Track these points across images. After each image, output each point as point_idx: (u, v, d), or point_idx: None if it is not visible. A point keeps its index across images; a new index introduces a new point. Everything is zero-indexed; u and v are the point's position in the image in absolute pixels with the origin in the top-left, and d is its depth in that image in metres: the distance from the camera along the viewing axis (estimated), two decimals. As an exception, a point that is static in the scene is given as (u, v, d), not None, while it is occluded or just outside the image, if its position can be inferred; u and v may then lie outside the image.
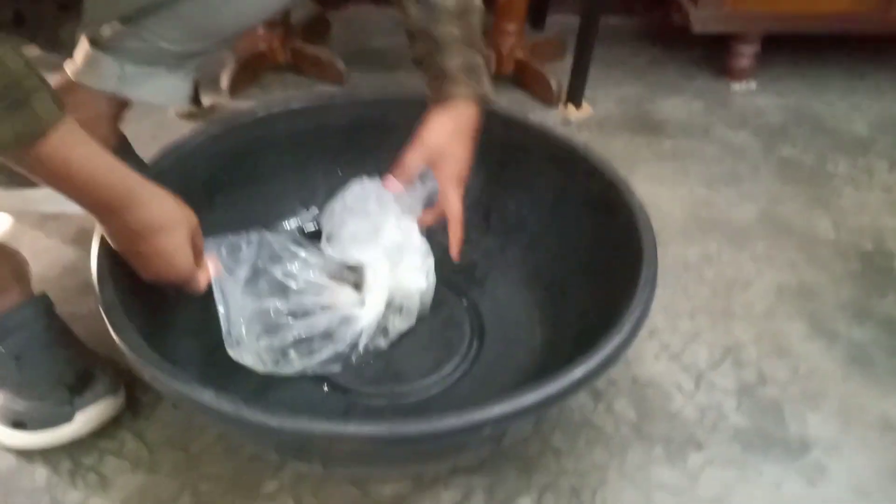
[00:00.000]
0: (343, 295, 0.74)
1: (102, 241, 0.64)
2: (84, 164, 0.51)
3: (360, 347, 0.72)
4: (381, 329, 0.74)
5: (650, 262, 0.66)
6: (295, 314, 0.71)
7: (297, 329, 0.70)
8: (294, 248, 0.74)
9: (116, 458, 0.68)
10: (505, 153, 0.85)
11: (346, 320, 0.71)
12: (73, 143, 0.50)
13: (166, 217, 0.58)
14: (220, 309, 0.64)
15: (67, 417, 0.67)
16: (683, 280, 0.91)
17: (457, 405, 0.51)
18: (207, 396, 0.52)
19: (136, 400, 0.73)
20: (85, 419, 0.68)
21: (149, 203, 0.56)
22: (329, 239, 0.76)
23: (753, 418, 0.75)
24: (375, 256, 0.74)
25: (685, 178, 1.10)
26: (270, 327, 0.69)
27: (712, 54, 1.40)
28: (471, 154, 0.75)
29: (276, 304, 0.70)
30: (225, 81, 1.17)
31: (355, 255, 0.74)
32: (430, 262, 0.76)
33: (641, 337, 0.83)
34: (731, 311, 0.88)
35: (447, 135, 0.74)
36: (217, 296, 0.65)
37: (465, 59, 0.74)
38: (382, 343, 0.75)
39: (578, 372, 0.55)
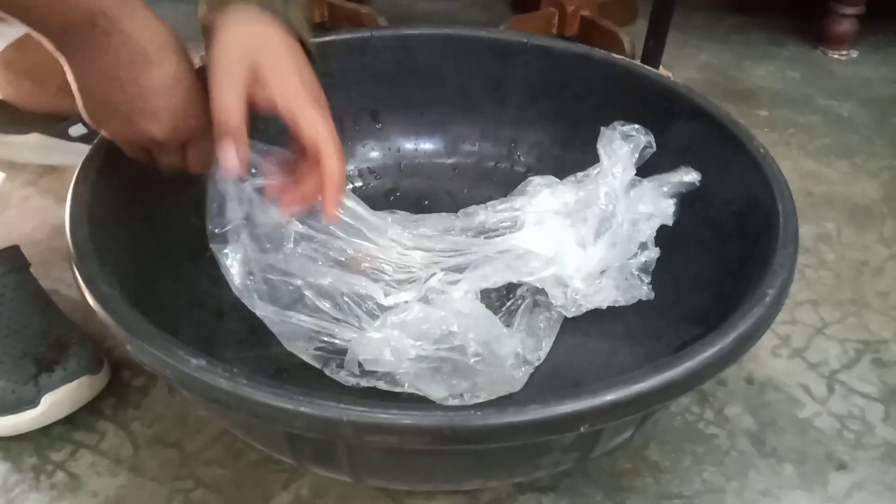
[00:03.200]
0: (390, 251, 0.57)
1: (85, 167, 0.51)
2: None
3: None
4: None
5: (789, 216, 0.50)
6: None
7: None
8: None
9: (93, 454, 0.54)
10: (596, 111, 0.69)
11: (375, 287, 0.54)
12: None
13: (170, 35, 0.44)
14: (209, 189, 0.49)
15: (31, 401, 0.53)
16: (800, 263, 0.74)
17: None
18: (197, 364, 0.38)
19: (123, 385, 0.59)
20: (53, 403, 0.54)
21: (144, 9, 0.43)
22: None
23: (909, 433, 0.58)
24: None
25: (787, 150, 0.92)
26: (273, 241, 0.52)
27: (803, 22, 1.23)
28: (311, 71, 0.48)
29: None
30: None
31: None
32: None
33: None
34: (864, 301, 0.70)
35: (253, 47, 0.45)
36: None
37: None
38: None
39: (714, 348, 0.39)
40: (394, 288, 0.55)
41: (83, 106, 0.46)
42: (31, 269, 0.68)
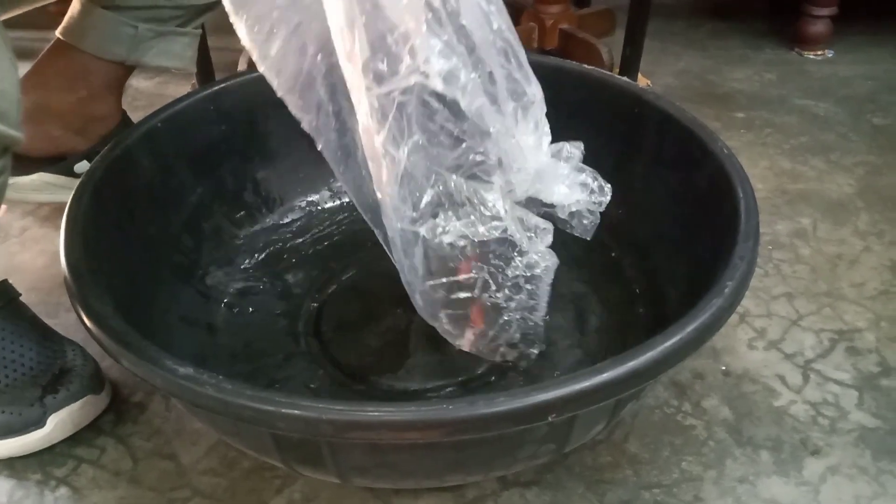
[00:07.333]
0: None
1: (78, 192, 0.53)
2: None
3: None
4: None
5: (750, 211, 0.52)
6: None
7: None
8: None
9: (93, 469, 0.56)
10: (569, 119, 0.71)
11: None
12: None
13: None
14: None
15: (38, 422, 0.56)
16: (775, 259, 0.76)
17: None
18: (184, 372, 0.40)
19: (122, 401, 0.61)
20: (59, 423, 0.56)
21: None
22: None
23: (882, 416, 0.60)
24: None
25: (764, 150, 0.95)
26: None
27: (779, 25, 1.26)
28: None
29: None
30: (243, 64, 1.07)
31: None
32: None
33: (730, 322, 0.68)
34: (839, 293, 0.72)
35: None
36: None
37: None
38: None
39: (675, 337, 0.41)
40: None
41: None
42: (34, 294, 0.70)
